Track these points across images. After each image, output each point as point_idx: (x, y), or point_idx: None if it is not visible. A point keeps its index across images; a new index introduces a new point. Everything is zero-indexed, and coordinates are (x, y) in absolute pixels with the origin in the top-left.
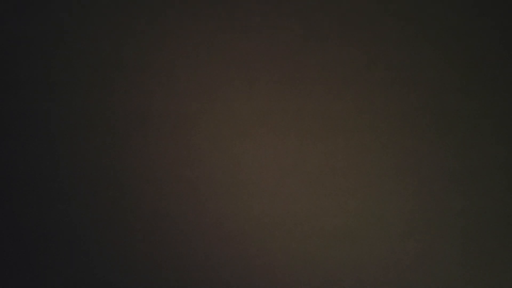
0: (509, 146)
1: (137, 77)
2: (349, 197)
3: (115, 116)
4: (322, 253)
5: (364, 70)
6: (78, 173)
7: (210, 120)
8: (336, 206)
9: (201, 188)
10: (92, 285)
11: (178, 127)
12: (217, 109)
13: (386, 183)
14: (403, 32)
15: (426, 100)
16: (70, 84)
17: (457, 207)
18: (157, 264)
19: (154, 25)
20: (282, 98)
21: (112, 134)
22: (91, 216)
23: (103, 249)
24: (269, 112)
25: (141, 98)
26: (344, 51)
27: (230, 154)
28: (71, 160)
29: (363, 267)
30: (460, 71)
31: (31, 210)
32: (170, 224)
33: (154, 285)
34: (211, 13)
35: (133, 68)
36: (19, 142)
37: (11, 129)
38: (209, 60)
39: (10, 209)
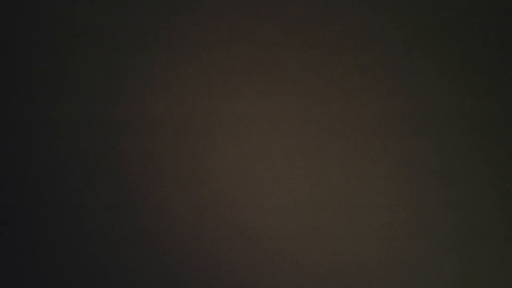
0: (506, 147)
1: (140, 79)
2: (346, 198)
3: (118, 117)
4: (318, 254)
5: (363, 72)
6: (81, 174)
7: (211, 121)
8: (333, 207)
9: (203, 188)
10: (92, 286)
11: (182, 129)
12: (217, 110)
13: (384, 185)
14: (402, 33)
15: (425, 101)
16: (71, 85)
17: (455, 208)
18: (157, 262)
19: (158, 28)
20: (282, 100)
21: (115, 135)
22: (93, 216)
23: (104, 249)
24: (269, 114)
25: (145, 100)
26: (344, 53)
27: (230, 154)
28: (73, 163)
29: (361, 267)
30: (458, 72)
31: (30, 211)
32: (174, 223)
33: (153, 285)
34: (214, 15)
35: (137, 70)
36: (21, 144)
37: (13, 130)
38: (212, 63)
39: (10, 210)
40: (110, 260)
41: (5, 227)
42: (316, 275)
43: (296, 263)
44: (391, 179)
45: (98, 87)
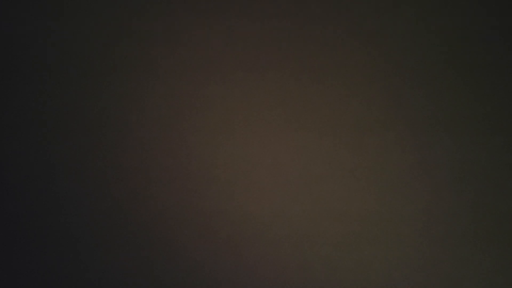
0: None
1: (134, 74)
2: (352, 198)
3: (111, 113)
4: (323, 257)
5: (370, 69)
6: (73, 172)
7: (207, 118)
8: (339, 207)
9: (198, 187)
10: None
11: (175, 125)
12: (214, 106)
13: (392, 184)
14: (411, 32)
15: (435, 99)
16: (65, 83)
17: (467, 208)
18: (151, 262)
19: (152, 22)
20: (283, 96)
21: (108, 131)
22: (86, 215)
23: (96, 249)
24: (269, 110)
25: (138, 96)
26: (348, 51)
27: (229, 152)
28: (66, 160)
29: (365, 272)
30: (469, 70)
31: (26, 210)
32: (166, 222)
33: (146, 285)
34: (209, 8)
35: (130, 64)
36: (16, 141)
37: (8, 128)
38: (207, 56)
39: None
40: (100, 260)
41: None
42: (316, 280)
43: (295, 267)
44: (399, 180)
45: (88, 83)
